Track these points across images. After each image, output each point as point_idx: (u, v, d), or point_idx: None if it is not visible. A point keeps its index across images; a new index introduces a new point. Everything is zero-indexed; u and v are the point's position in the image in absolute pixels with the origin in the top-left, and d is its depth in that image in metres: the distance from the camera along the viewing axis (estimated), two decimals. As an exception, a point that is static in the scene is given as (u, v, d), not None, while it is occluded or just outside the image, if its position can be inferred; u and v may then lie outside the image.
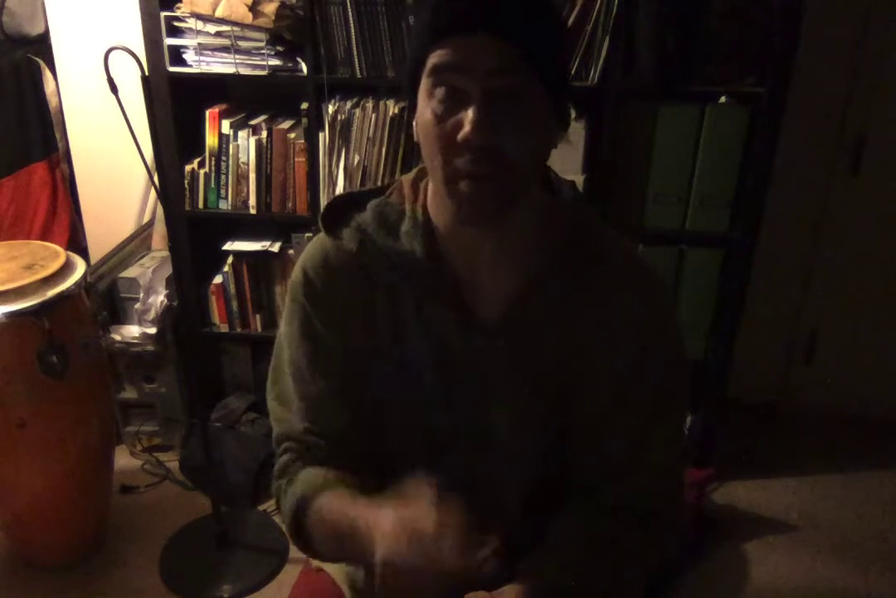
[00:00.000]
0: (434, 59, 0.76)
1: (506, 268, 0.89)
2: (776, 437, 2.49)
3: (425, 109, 0.79)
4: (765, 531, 2.09)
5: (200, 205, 2.10)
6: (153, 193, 2.38)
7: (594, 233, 0.92)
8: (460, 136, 0.75)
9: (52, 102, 2.22)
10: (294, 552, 1.99)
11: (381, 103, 1.93)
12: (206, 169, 2.07)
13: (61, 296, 1.70)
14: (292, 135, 2.03)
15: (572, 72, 1.81)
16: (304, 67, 1.92)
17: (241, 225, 2.24)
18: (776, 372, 2.58)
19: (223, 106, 2.06)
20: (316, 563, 1.05)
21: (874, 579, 1.95)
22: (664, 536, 0.99)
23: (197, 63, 1.94)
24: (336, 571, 1.03)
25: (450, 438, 0.94)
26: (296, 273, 0.94)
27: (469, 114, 0.75)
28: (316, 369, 0.94)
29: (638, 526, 0.94)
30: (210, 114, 2.02)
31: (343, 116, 1.94)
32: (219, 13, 1.83)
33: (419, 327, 0.90)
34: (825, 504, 2.20)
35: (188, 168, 2.07)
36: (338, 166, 1.99)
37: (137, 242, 2.43)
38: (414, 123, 0.84)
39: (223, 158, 2.04)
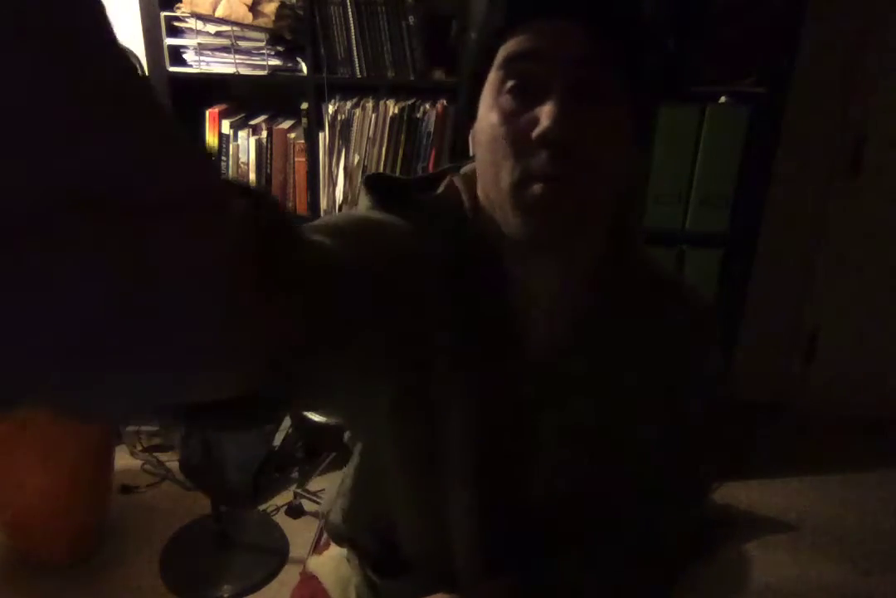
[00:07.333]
0: (509, 47, 0.67)
1: (562, 302, 0.79)
2: (776, 437, 2.49)
3: (491, 109, 0.69)
4: (765, 531, 2.09)
5: (200, 205, 2.10)
6: (153, 193, 2.38)
7: (660, 282, 0.84)
8: (537, 131, 0.65)
9: (52, 101, 2.23)
10: (294, 552, 1.98)
11: (381, 103, 1.93)
12: (206, 169, 2.06)
13: (61, 296, 1.69)
14: (292, 135, 2.03)
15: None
16: (304, 67, 1.92)
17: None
18: (776, 372, 2.58)
19: (223, 106, 2.06)
20: (310, 568, 1.03)
21: (874, 579, 1.95)
22: (667, 574, 0.94)
23: (197, 63, 1.94)
24: (328, 577, 1.01)
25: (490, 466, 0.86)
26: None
27: (547, 107, 0.66)
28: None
29: (644, 562, 0.90)
30: (210, 114, 2.02)
31: (343, 116, 1.94)
32: (219, 13, 1.83)
33: (461, 350, 0.76)
34: (825, 504, 2.20)
35: (188, 168, 2.06)
36: (338, 166, 1.99)
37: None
38: (471, 135, 0.74)
39: (223, 158, 2.04)
